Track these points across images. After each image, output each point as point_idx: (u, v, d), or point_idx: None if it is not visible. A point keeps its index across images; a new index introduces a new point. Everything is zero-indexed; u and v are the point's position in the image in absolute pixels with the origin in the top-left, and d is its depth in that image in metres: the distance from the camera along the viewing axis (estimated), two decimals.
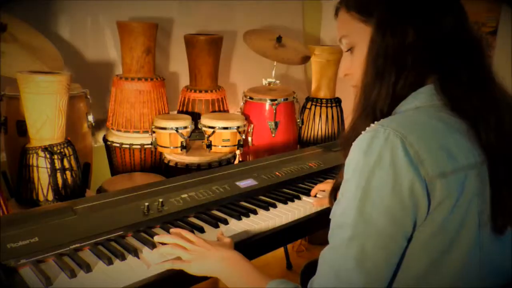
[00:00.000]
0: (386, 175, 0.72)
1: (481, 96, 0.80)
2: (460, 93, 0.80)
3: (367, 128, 0.77)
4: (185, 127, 2.05)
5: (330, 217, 0.80)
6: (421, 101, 0.81)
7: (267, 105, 2.31)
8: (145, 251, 1.07)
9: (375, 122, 0.78)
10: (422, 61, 0.80)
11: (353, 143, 0.77)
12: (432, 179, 0.71)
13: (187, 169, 2.03)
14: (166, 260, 1.02)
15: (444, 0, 0.82)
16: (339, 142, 0.90)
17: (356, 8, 0.85)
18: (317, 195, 1.45)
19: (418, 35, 0.79)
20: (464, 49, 0.81)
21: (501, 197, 0.77)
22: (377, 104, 0.82)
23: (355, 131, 0.82)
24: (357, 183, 0.74)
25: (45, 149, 1.50)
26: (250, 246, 1.17)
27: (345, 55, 0.91)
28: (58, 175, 1.53)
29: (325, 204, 1.37)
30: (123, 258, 1.03)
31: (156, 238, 1.09)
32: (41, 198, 1.52)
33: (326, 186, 1.46)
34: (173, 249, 1.03)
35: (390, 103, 0.82)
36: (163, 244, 1.07)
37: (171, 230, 1.13)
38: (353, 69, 0.89)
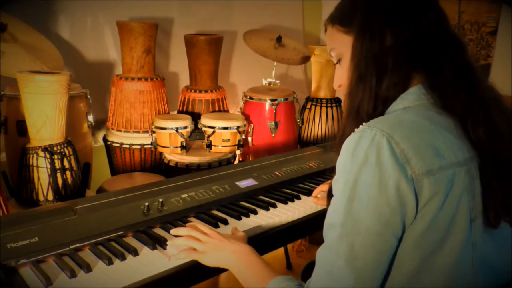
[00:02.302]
0: (372, 174, 0.73)
1: (468, 93, 0.82)
2: (447, 91, 0.82)
3: (355, 130, 0.80)
4: (185, 127, 2.05)
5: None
6: (409, 101, 0.83)
7: (267, 105, 2.31)
8: (145, 251, 1.07)
9: (363, 123, 0.80)
10: (403, 62, 0.83)
11: (343, 145, 0.80)
12: (419, 177, 0.73)
13: (187, 169, 2.03)
14: (182, 250, 1.05)
15: (420, 2, 0.85)
16: (334, 146, 0.93)
17: (338, 21, 0.90)
18: (318, 196, 1.45)
19: (396, 37, 0.82)
20: (445, 48, 0.84)
21: (491, 191, 0.78)
22: (361, 107, 0.85)
23: (343, 135, 0.84)
24: (345, 183, 0.77)
25: (45, 149, 1.50)
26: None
27: (336, 67, 0.96)
28: (58, 175, 1.53)
29: (325, 204, 1.38)
30: (123, 258, 1.02)
31: (172, 231, 1.10)
32: (41, 198, 1.52)
33: (327, 187, 1.46)
34: (188, 241, 1.05)
35: (375, 105, 0.84)
36: (178, 237, 1.09)
37: (188, 224, 1.14)
38: (343, 79, 0.93)
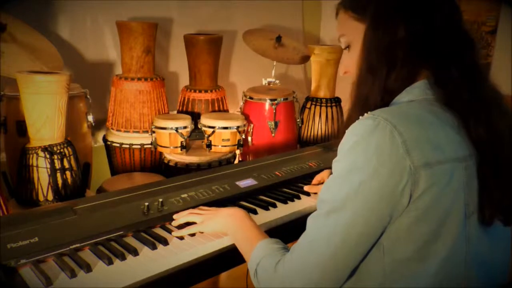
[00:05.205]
0: (369, 161, 0.75)
1: (471, 92, 0.82)
2: (452, 88, 0.82)
3: (360, 117, 0.81)
4: (185, 127, 2.05)
5: None
6: (414, 95, 0.84)
7: (267, 104, 2.31)
8: (145, 250, 1.07)
9: (368, 112, 0.81)
10: (413, 56, 0.83)
11: (347, 130, 0.81)
12: (417, 169, 0.74)
13: (187, 169, 2.03)
14: (183, 229, 1.15)
15: None
16: (339, 135, 0.93)
17: (351, 7, 0.89)
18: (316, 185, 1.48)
19: (408, 31, 0.82)
20: (455, 45, 0.84)
21: (488, 190, 0.79)
22: (369, 98, 0.86)
23: (349, 123, 0.85)
24: (343, 165, 0.79)
25: (45, 149, 1.50)
26: None
27: (344, 53, 0.95)
28: (58, 175, 1.53)
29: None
30: (123, 258, 1.02)
31: (175, 216, 1.20)
32: (41, 198, 1.52)
33: (324, 175, 1.48)
34: (188, 217, 1.17)
35: (382, 97, 0.85)
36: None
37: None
38: (350, 66, 0.93)
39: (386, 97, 0.85)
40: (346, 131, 0.81)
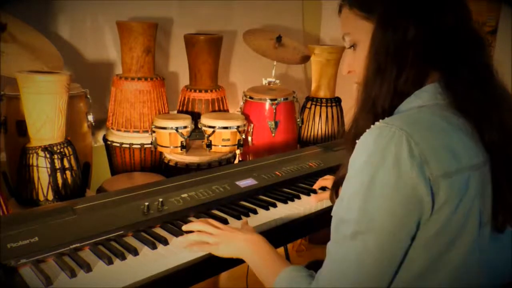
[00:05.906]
0: (389, 174, 0.72)
1: (482, 94, 0.80)
2: (463, 92, 0.79)
3: (372, 126, 0.77)
4: (185, 127, 2.05)
5: (332, 213, 0.81)
6: (424, 100, 0.81)
7: (267, 104, 2.31)
8: (145, 250, 1.07)
9: (380, 120, 0.77)
10: (423, 58, 0.80)
11: (358, 141, 0.78)
12: (436, 179, 0.71)
13: (187, 168, 2.03)
14: (194, 244, 1.07)
15: None
16: (344, 139, 0.90)
17: (358, 5, 0.85)
18: (318, 191, 1.46)
19: (419, 31, 0.78)
20: (465, 46, 0.81)
21: (502, 195, 0.77)
22: (378, 100, 0.82)
23: (357, 127, 0.82)
24: (360, 181, 0.74)
25: (45, 149, 1.50)
26: None
27: (348, 52, 0.91)
28: (58, 175, 1.53)
29: (325, 198, 1.38)
30: (123, 257, 1.02)
31: (184, 227, 1.13)
32: (41, 198, 1.52)
33: (326, 182, 1.46)
34: (199, 236, 1.08)
35: (391, 99, 0.81)
36: (190, 232, 1.12)
37: (199, 219, 1.16)
38: (355, 66, 0.90)
39: (395, 99, 0.82)
40: (358, 142, 0.77)
